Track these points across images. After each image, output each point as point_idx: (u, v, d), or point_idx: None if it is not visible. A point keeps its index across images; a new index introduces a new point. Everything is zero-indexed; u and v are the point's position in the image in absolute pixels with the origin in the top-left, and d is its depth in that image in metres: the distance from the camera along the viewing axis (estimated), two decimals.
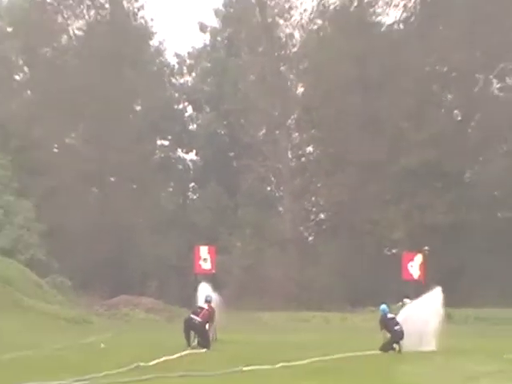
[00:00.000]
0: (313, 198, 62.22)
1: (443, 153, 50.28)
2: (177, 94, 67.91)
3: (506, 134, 53.85)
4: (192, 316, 24.48)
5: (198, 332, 24.43)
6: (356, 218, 53.39)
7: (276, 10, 60.50)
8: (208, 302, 25.50)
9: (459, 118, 56.39)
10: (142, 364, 18.67)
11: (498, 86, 56.49)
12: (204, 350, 23.66)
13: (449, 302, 25.36)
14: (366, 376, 18.18)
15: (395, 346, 24.99)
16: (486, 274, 46.86)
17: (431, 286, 25.71)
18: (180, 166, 68.28)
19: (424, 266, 33.67)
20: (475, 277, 48.01)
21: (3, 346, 24.58)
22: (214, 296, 26.72)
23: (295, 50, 61.24)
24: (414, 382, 17.06)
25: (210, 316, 24.98)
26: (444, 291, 24.65)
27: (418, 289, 28.41)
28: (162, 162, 66.38)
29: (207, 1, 63.56)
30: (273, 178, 62.82)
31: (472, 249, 49.76)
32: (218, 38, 67.33)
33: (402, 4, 57.79)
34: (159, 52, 65.81)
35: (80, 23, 60.96)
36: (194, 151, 67.56)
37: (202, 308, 25.05)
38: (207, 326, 24.84)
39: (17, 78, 63.81)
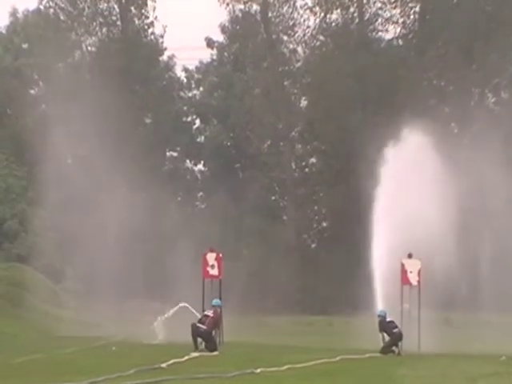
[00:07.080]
0: (315, 207, 63.63)
1: None
2: (185, 108, 68.87)
3: None
4: (198, 325, 26.23)
5: (205, 339, 26.03)
6: (356, 225, 54.78)
7: (280, 27, 62.00)
8: (216, 306, 27.21)
9: (456, 131, 58.04)
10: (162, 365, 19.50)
11: (493, 100, 58.35)
12: (215, 353, 25.28)
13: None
14: (369, 378, 18.93)
15: (394, 348, 26.73)
16: None
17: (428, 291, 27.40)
18: (188, 177, 69.50)
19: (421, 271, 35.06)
20: None
21: (18, 349, 26.18)
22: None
23: (298, 65, 63.02)
24: None
25: (215, 323, 26.61)
26: None
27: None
28: (171, 172, 67.72)
29: (214, 17, 63.80)
30: (277, 188, 64.30)
31: None
32: (225, 54, 68.49)
33: (401, 21, 59.68)
34: (168, 67, 66.83)
35: (93, 40, 62.37)
36: (202, 162, 68.77)
37: (207, 316, 26.59)
38: (213, 333, 26.64)
39: (32, 92, 65.39)
